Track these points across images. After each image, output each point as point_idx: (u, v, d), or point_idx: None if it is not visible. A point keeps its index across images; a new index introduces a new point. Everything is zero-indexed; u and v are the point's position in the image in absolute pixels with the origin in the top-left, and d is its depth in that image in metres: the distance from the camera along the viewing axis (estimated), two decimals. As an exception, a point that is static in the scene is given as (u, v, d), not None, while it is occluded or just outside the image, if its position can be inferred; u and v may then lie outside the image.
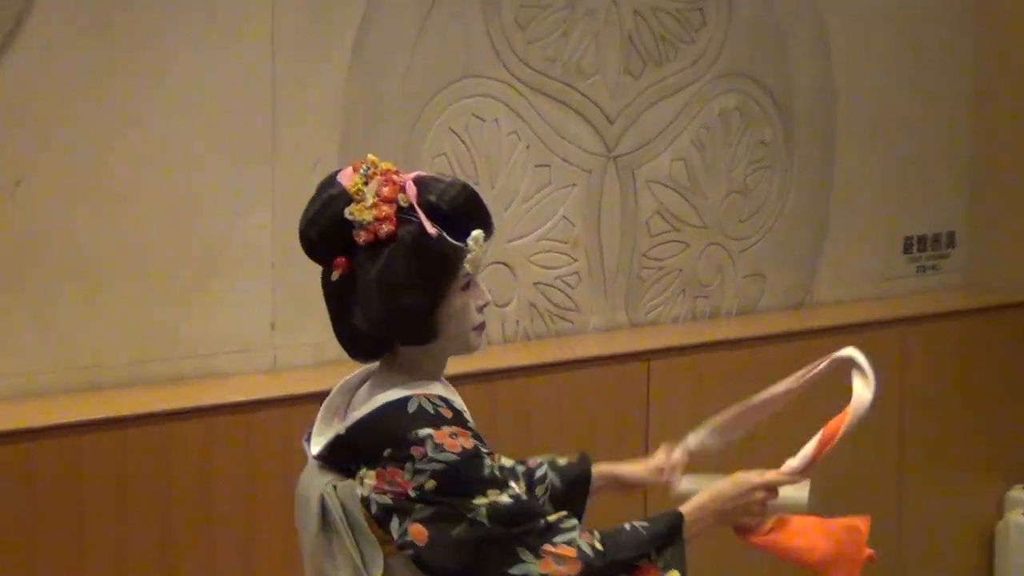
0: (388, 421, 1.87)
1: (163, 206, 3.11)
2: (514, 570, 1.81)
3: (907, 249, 4.46)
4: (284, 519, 2.89)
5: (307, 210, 1.92)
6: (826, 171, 4.24)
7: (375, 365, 2.01)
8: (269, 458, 2.98)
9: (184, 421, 2.94)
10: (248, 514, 3.00)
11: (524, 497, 1.87)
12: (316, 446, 1.95)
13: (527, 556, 1.81)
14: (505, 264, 3.63)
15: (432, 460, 1.82)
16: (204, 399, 3.00)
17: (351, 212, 1.87)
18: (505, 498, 1.83)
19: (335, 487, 1.88)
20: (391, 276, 1.86)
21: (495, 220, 1.99)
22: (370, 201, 1.86)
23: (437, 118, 3.48)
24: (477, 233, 1.91)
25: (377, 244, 1.86)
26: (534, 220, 3.69)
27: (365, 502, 1.86)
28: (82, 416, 2.85)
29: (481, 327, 1.96)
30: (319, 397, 3.03)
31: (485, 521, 1.81)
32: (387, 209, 1.86)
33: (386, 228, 1.86)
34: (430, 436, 1.84)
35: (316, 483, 1.92)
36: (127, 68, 3.03)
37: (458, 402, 1.95)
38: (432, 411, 1.88)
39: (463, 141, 3.52)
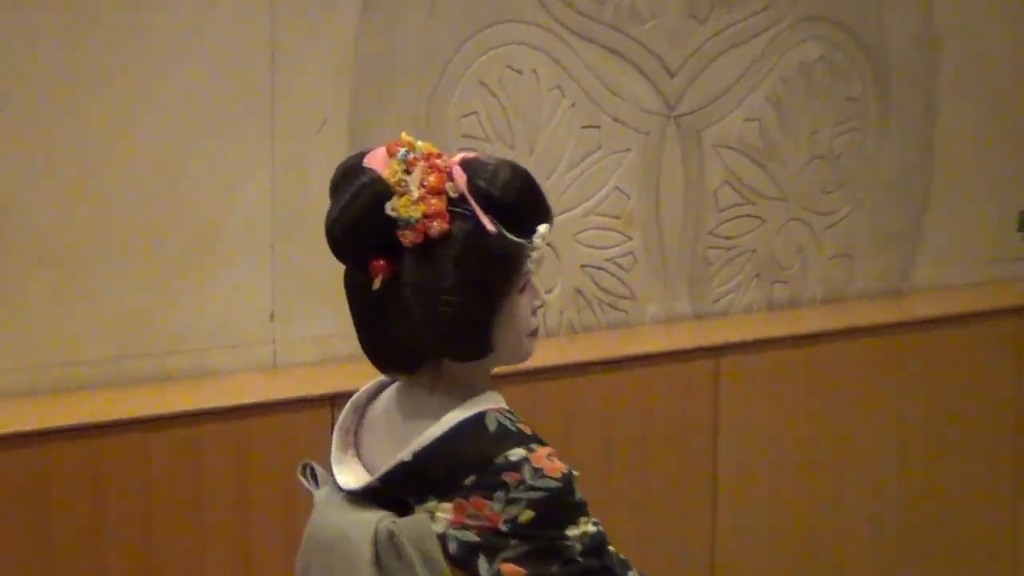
0: (468, 443, 1.86)
1: (146, 177, 3.12)
2: None
3: (1022, 226, 4.43)
4: (283, 540, 2.87)
5: (333, 204, 1.88)
6: (926, 133, 4.22)
7: (387, 379, 2.00)
8: (267, 470, 3.00)
9: (170, 427, 2.95)
10: (242, 534, 3.02)
11: (600, 525, 1.91)
12: (349, 477, 1.93)
13: None
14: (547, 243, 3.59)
15: (530, 488, 1.82)
16: (193, 401, 3.02)
17: (395, 208, 1.83)
18: (591, 527, 1.87)
19: (394, 523, 1.86)
20: (443, 281, 1.83)
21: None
22: (416, 194, 1.83)
23: (466, 70, 3.47)
24: (544, 228, 1.89)
25: (425, 245, 1.83)
26: (581, 191, 3.68)
27: (441, 539, 1.84)
28: (53, 422, 2.86)
29: (535, 332, 1.95)
30: (325, 400, 3.02)
31: (579, 558, 1.85)
32: (437, 203, 1.83)
33: (438, 226, 1.83)
34: (526, 460, 1.83)
35: (357, 520, 1.88)
36: (106, 17, 3.04)
37: None
38: (513, 428, 1.87)
39: (496, 97, 3.52)
